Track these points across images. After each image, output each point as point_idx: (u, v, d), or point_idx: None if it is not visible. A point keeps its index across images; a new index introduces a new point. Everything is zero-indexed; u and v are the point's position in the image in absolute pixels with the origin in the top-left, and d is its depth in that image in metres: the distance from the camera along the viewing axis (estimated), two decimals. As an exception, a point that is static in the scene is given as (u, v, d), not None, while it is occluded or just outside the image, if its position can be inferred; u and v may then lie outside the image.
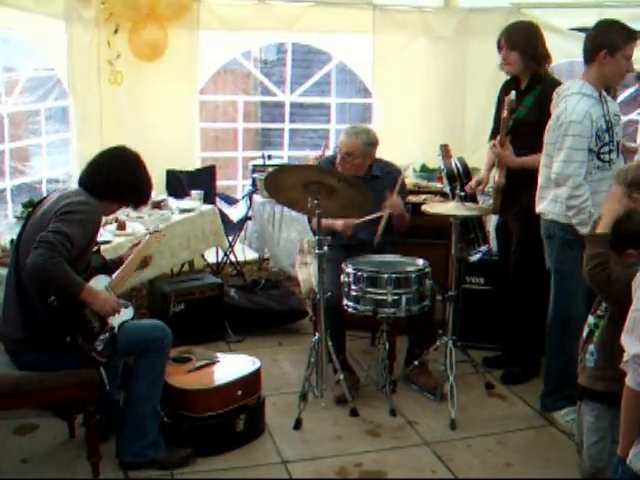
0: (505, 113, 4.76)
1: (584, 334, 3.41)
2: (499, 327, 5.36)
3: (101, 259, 4.03)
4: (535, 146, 4.70)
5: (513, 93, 4.73)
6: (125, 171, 3.85)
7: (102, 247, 4.65)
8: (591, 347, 3.32)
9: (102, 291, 3.76)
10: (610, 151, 4.31)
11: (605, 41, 4.26)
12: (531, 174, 4.70)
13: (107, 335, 3.73)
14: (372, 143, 5.18)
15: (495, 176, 5.02)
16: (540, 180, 4.51)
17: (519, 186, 4.86)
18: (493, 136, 5.18)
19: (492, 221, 5.69)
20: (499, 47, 5.00)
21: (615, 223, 3.29)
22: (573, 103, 4.22)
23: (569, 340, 4.11)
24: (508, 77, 5.15)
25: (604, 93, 4.39)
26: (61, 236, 3.45)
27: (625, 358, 2.67)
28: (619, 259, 3.24)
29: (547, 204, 4.43)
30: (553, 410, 4.60)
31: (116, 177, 3.81)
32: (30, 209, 4.03)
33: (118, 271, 4.00)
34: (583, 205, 4.15)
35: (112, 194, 3.83)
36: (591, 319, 3.36)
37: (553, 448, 4.28)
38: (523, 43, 4.88)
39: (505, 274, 5.23)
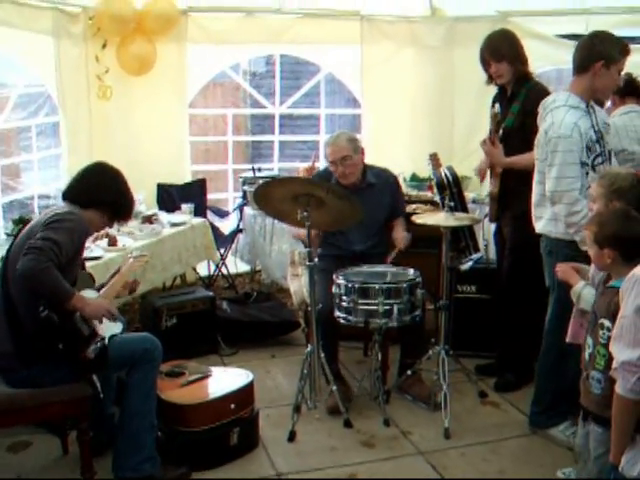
0: (492, 125, 4.79)
1: (585, 355, 3.39)
2: (492, 335, 5.36)
3: (88, 275, 4.04)
4: (522, 148, 4.75)
5: (497, 106, 4.75)
6: (104, 182, 3.93)
7: (92, 263, 4.69)
8: (597, 374, 3.29)
9: (92, 298, 3.78)
10: (603, 162, 4.19)
11: (603, 52, 4.13)
12: (523, 181, 4.69)
13: (98, 345, 3.74)
14: (355, 137, 5.31)
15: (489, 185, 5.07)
16: (534, 198, 4.38)
17: (511, 193, 4.89)
18: None
19: (490, 229, 5.71)
20: (485, 64, 5.02)
21: (602, 217, 3.29)
22: (560, 117, 4.09)
23: (565, 362, 4.09)
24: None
25: (592, 103, 4.27)
26: (49, 242, 3.48)
27: (614, 365, 2.68)
28: (597, 255, 3.24)
29: (546, 224, 4.29)
30: (547, 427, 4.49)
31: (96, 187, 3.89)
32: (20, 226, 4.04)
33: (104, 289, 4.03)
34: (583, 222, 3.90)
35: (94, 203, 3.87)
36: (590, 341, 3.34)
37: (547, 454, 4.28)
38: (507, 51, 4.92)
39: (500, 280, 5.26)
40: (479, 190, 6.32)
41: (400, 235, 5.13)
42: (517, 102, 4.89)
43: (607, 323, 3.16)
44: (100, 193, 3.88)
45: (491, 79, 5.05)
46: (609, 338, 3.15)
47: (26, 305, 3.58)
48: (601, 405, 3.27)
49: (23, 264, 3.42)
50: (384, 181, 5.35)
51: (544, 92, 4.90)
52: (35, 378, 3.63)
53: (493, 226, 5.43)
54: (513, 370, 5.21)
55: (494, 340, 5.34)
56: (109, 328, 3.84)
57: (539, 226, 4.35)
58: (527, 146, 4.69)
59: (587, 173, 4.10)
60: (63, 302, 3.56)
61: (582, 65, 4.18)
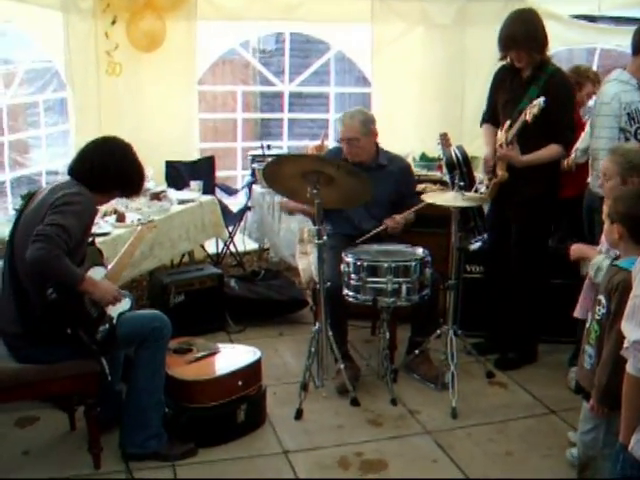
0: (529, 116, 4.62)
1: (584, 332, 3.41)
2: (494, 313, 5.36)
3: (97, 251, 4.02)
4: (539, 138, 4.75)
5: (543, 99, 4.59)
6: (112, 161, 3.81)
7: (101, 239, 4.67)
8: (589, 349, 3.32)
9: (102, 281, 3.76)
10: None
11: None
12: (533, 166, 4.80)
13: (107, 326, 3.74)
14: (370, 119, 5.19)
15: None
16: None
17: (520, 177, 4.84)
18: (486, 120, 5.24)
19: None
20: (503, 48, 4.92)
21: (617, 193, 3.29)
22: (606, 88, 4.68)
23: None
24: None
25: None
26: (58, 228, 3.43)
27: (625, 345, 2.66)
28: (608, 229, 3.26)
29: (592, 179, 4.78)
30: (571, 366, 4.81)
31: (103, 167, 3.78)
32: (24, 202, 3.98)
33: (113, 263, 4.01)
34: None
35: (101, 183, 3.79)
36: (590, 315, 3.36)
37: (554, 436, 4.27)
38: (527, 40, 4.80)
39: (494, 259, 5.31)
40: (483, 172, 6.28)
41: (397, 217, 5.11)
42: (535, 86, 4.80)
43: (603, 300, 3.17)
44: (106, 176, 3.79)
45: (506, 57, 4.98)
46: (603, 315, 3.17)
47: (34, 288, 3.55)
48: (590, 381, 3.28)
49: (32, 253, 3.38)
50: (396, 165, 5.31)
51: (566, 80, 4.96)
52: (43, 356, 3.64)
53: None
54: (517, 349, 5.24)
55: (494, 318, 5.35)
56: (118, 306, 3.83)
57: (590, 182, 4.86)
58: (544, 135, 4.73)
59: (627, 139, 4.56)
60: (73, 287, 3.54)
61: (635, 47, 4.66)
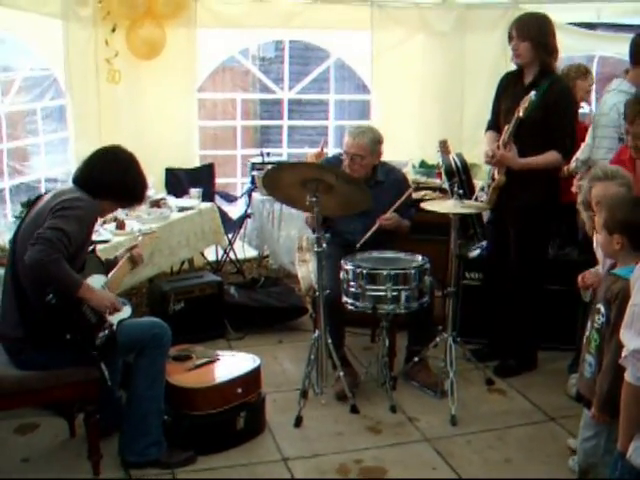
0: (522, 112, 4.64)
1: (584, 340, 3.41)
2: (493, 320, 5.37)
3: (97, 259, 4.02)
4: (537, 145, 4.75)
5: (533, 93, 4.63)
6: (116, 171, 3.82)
7: (101, 246, 4.67)
8: (589, 358, 3.32)
9: (100, 289, 3.76)
10: None
11: None
12: (531, 171, 4.78)
13: (106, 332, 3.74)
14: (379, 140, 5.14)
15: (494, 172, 5.01)
16: None
17: (518, 182, 4.84)
18: (490, 128, 5.21)
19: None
20: (509, 38, 4.93)
21: (613, 203, 3.28)
22: (606, 98, 4.82)
23: None
24: (508, 70, 5.17)
25: None
26: (58, 232, 3.44)
27: (624, 353, 2.66)
28: (606, 240, 3.22)
29: None
30: (571, 373, 4.82)
31: (107, 177, 3.79)
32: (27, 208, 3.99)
33: (113, 271, 4.01)
34: None
35: (104, 193, 3.79)
36: (589, 324, 3.36)
37: (553, 443, 4.28)
38: (534, 34, 4.80)
39: (494, 267, 5.31)
40: (488, 178, 6.29)
41: (387, 214, 5.07)
42: (537, 92, 4.81)
43: (602, 308, 3.17)
44: (109, 186, 3.80)
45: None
46: (602, 324, 3.17)
47: (35, 292, 3.55)
48: (591, 389, 3.28)
49: (31, 255, 3.39)
50: (393, 180, 5.28)
51: (567, 88, 4.98)
52: (44, 361, 3.63)
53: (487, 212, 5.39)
54: (516, 356, 5.24)
55: (493, 325, 5.36)
56: (118, 313, 3.83)
57: None
58: (544, 142, 4.74)
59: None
60: (70, 292, 3.54)
61: (635, 58, 4.73)
